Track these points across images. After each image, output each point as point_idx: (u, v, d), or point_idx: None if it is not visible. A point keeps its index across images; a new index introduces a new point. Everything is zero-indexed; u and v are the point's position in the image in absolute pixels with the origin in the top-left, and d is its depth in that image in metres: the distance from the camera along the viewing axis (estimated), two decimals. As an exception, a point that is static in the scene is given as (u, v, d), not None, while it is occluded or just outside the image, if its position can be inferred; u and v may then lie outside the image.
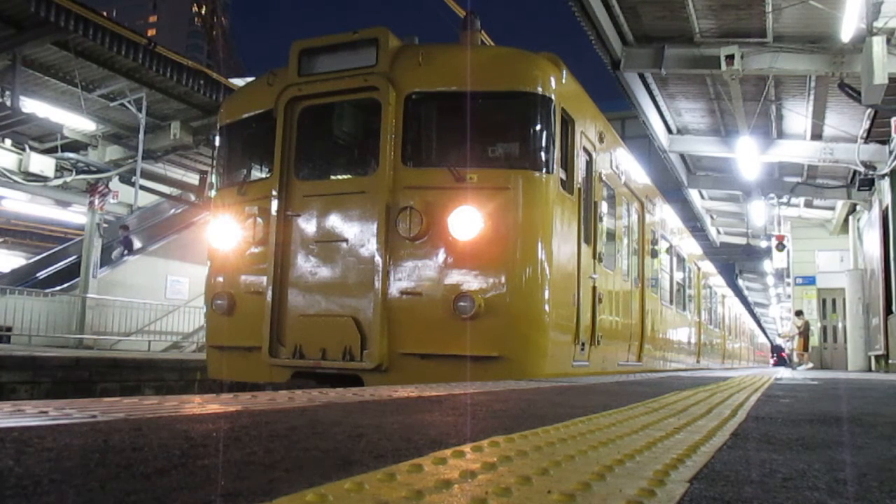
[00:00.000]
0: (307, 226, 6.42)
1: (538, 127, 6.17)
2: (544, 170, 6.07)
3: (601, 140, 7.77)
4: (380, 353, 5.85)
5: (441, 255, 5.88)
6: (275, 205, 6.48)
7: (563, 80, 6.45)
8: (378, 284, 5.94)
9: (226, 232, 6.83)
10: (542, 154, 6.11)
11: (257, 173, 7.16)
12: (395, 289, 5.95)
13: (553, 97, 6.19)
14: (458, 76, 6.08)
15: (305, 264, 6.37)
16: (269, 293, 6.34)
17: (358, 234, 6.18)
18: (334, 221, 6.32)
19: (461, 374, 5.53)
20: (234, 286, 6.70)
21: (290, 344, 6.27)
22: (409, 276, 5.93)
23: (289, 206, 6.48)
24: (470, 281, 5.75)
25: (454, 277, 5.81)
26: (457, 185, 5.86)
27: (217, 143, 7.91)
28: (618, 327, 8.62)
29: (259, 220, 6.53)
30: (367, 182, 6.30)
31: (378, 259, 5.98)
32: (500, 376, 5.53)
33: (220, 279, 6.88)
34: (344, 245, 6.23)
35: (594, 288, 7.31)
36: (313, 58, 6.59)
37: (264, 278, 6.41)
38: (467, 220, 5.77)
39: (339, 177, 7.10)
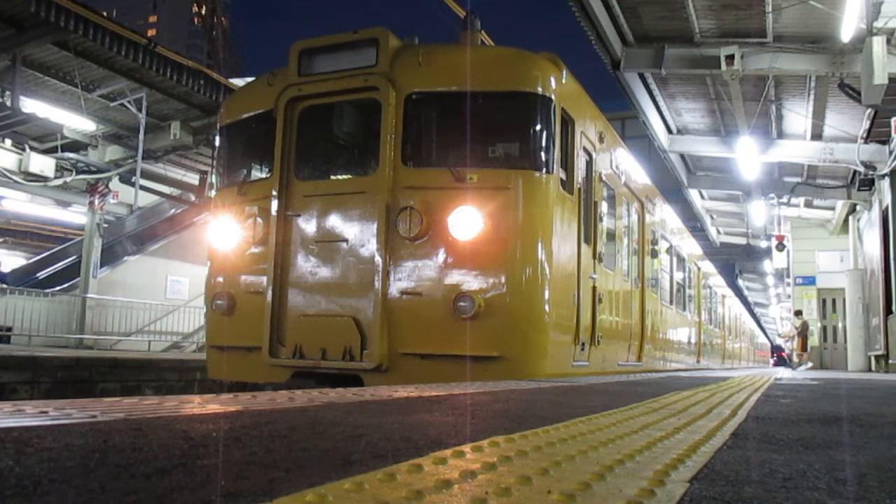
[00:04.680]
0: (307, 226, 6.42)
1: (538, 127, 6.16)
2: (544, 170, 6.06)
3: (601, 140, 7.76)
4: (380, 353, 5.85)
5: (441, 256, 5.87)
6: (275, 205, 6.47)
7: (563, 80, 6.44)
8: (378, 284, 5.93)
9: (226, 232, 6.82)
10: (542, 154, 6.10)
11: (257, 173, 7.15)
12: (395, 289, 5.94)
13: (553, 97, 6.18)
14: (458, 76, 6.07)
15: (305, 264, 6.37)
16: (269, 293, 6.33)
17: (358, 234, 6.18)
18: (334, 221, 6.31)
19: (461, 374, 5.53)
20: (234, 286, 6.69)
21: (290, 344, 6.26)
22: (409, 276, 5.93)
23: (289, 206, 6.48)
24: (470, 281, 5.75)
25: (454, 277, 5.80)
26: (457, 185, 5.86)
27: (217, 143, 7.89)
28: (618, 327, 8.62)
29: (259, 220, 6.52)
30: (367, 182, 6.28)
31: (378, 259, 5.97)
32: (500, 376, 5.52)
33: (220, 279, 6.87)
34: (344, 245, 6.22)
35: (594, 288, 7.31)
36: (313, 58, 6.58)
37: (264, 278, 6.40)
38: (467, 221, 5.77)
39: (339, 177, 7.07)
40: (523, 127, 6.24)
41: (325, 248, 6.30)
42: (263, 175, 6.90)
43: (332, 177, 7.06)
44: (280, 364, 6.25)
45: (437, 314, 5.76)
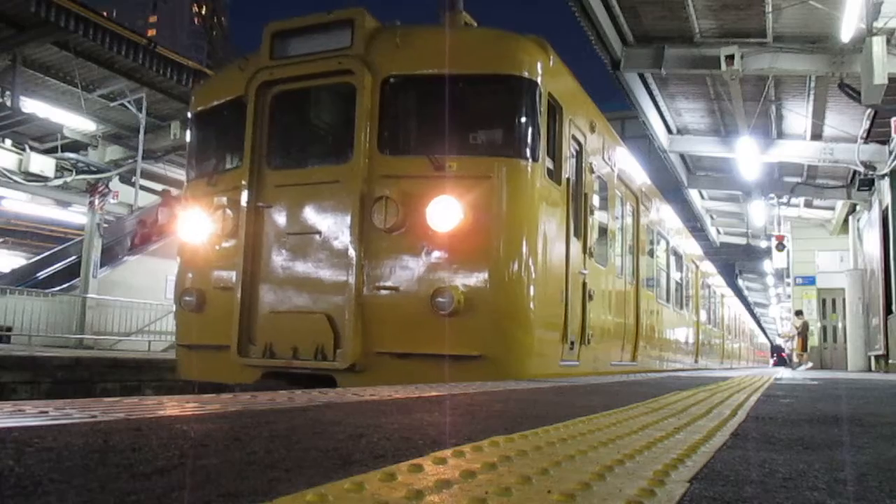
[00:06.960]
0: (279, 217, 6.12)
1: (523, 112, 5.84)
2: (529, 158, 5.73)
3: (592, 130, 7.45)
4: (353, 352, 5.54)
5: (418, 248, 5.56)
6: (245, 195, 6.14)
7: (551, 65, 6.14)
8: (352, 279, 5.62)
9: (195, 225, 6.52)
10: (527, 141, 5.78)
11: (229, 163, 6.80)
12: (369, 284, 5.62)
13: (539, 81, 5.86)
14: (438, 58, 5.73)
15: (277, 258, 6.08)
16: (239, 289, 6.03)
17: (331, 225, 5.86)
18: (307, 213, 6.02)
19: (440, 374, 5.25)
20: (203, 282, 6.39)
21: (261, 342, 5.97)
22: (385, 271, 5.64)
23: (260, 197, 6.17)
24: (449, 275, 5.44)
25: (432, 272, 5.47)
26: (436, 173, 5.54)
27: (188, 132, 7.49)
28: (611, 326, 8.34)
29: (229, 211, 6.21)
30: (341, 171, 5.91)
31: (352, 252, 5.66)
32: (482, 376, 5.25)
33: (190, 275, 6.58)
34: (317, 238, 5.93)
35: (584, 284, 7.00)
36: (286, 40, 6.26)
37: (234, 273, 6.12)
38: (446, 211, 5.44)
39: (313, 166, 6.67)
40: (507, 112, 5.92)
41: (297, 241, 6.01)
42: (234, 165, 6.57)
43: (306, 166, 6.66)
44: (250, 364, 5.96)
45: (415, 311, 5.45)
